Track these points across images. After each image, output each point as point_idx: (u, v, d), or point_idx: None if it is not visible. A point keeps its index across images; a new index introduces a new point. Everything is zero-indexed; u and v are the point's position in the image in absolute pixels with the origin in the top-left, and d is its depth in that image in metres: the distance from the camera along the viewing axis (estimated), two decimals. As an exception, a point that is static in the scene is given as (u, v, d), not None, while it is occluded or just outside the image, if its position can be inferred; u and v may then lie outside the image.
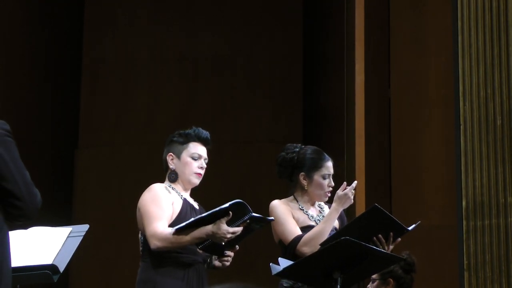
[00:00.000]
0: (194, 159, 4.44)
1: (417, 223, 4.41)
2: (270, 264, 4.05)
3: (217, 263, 4.36)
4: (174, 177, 4.44)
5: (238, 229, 4.12)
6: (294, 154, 4.61)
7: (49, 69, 8.88)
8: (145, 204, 4.32)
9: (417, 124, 6.74)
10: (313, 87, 9.01)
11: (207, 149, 4.52)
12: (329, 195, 4.59)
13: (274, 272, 4.01)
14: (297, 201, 4.60)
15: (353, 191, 4.44)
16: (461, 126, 5.69)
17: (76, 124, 9.15)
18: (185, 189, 4.46)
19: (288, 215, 4.51)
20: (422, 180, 6.63)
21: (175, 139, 4.51)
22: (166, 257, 4.25)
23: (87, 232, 3.79)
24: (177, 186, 4.44)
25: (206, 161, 4.49)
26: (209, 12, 9.25)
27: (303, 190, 4.59)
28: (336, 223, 4.57)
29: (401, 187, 6.76)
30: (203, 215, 4.16)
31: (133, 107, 9.05)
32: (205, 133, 4.52)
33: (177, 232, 4.16)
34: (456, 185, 5.72)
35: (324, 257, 3.93)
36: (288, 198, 4.63)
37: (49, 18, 8.91)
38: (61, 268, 3.61)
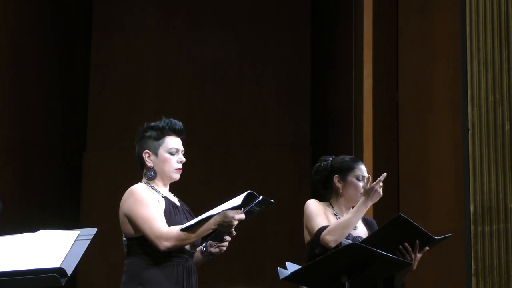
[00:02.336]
0: (172, 154, 4.27)
1: (449, 235, 4.40)
2: (278, 268, 4.04)
3: (213, 249, 4.23)
4: (152, 175, 4.27)
5: (243, 216, 4.02)
6: (328, 161, 4.69)
7: (57, 72, 8.89)
8: (134, 208, 4.17)
9: (425, 129, 6.72)
10: (321, 91, 9.01)
11: (181, 139, 4.34)
12: None
13: (281, 276, 4.00)
14: (332, 207, 4.63)
15: (381, 184, 4.41)
16: (469, 131, 5.68)
17: (84, 127, 9.16)
18: (164, 185, 4.31)
19: (320, 212, 4.54)
20: (430, 185, 6.61)
21: (147, 134, 4.34)
22: (154, 255, 4.16)
23: (94, 235, 3.79)
24: (156, 184, 4.29)
25: (183, 152, 4.31)
26: (217, 15, 9.26)
27: (338, 195, 4.63)
28: (364, 231, 4.60)
29: (409, 192, 6.74)
30: (213, 213, 4.04)
31: (141, 110, 9.05)
32: (179, 124, 4.34)
33: (184, 229, 4.06)
34: (464, 190, 5.71)
35: (332, 261, 3.92)
36: (324, 203, 4.65)
37: (58, 21, 8.92)
38: (69, 272, 3.61)
